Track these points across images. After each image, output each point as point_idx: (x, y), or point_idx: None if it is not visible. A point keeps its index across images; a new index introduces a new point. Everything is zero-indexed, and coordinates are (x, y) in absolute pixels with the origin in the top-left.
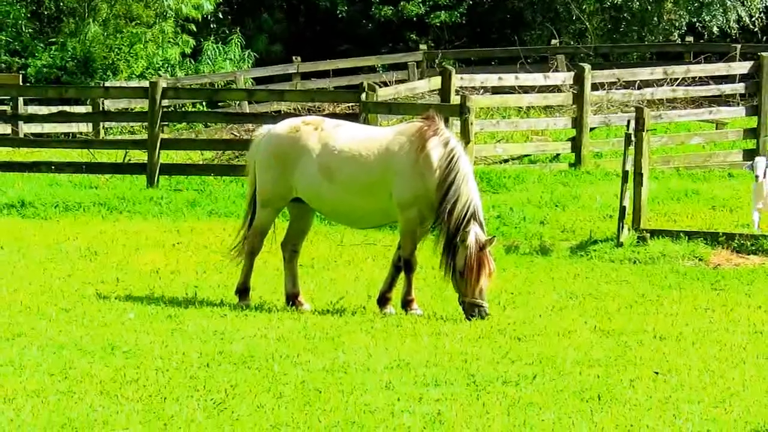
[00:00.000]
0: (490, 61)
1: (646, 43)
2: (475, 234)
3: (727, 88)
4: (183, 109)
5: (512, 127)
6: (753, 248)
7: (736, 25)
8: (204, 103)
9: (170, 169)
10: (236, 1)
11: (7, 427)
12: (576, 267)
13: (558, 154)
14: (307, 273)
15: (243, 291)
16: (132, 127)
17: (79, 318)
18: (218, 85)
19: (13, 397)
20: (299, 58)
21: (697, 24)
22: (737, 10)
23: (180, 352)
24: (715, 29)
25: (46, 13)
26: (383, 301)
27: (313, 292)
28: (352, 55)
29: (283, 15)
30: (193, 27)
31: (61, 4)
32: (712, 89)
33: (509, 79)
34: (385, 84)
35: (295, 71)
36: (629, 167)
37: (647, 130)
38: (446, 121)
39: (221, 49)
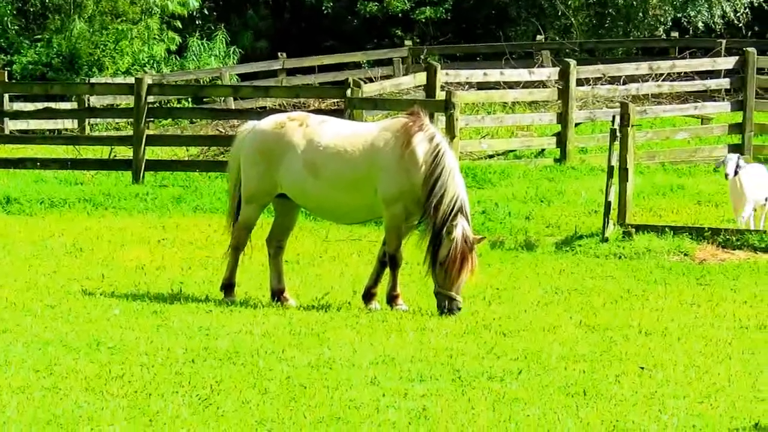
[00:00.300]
0: (475, 57)
1: (632, 38)
2: (462, 228)
3: (712, 84)
4: (168, 105)
5: (497, 122)
6: (738, 243)
7: (721, 21)
8: (189, 100)
9: (156, 166)
10: None
11: None
12: (561, 262)
13: (543, 150)
14: (292, 269)
15: (228, 287)
16: (117, 123)
17: (64, 314)
18: (203, 82)
19: None
20: (284, 55)
21: (682, 19)
22: (722, 6)
23: (165, 348)
24: (700, 25)
25: (31, 9)
26: (368, 296)
27: (298, 287)
28: (338, 51)
29: (269, 11)
30: (179, 24)
31: (47, 0)
32: (698, 84)
33: (494, 75)
34: (371, 80)
35: (281, 67)
36: (614, 162)
37: (632, 126)
38: (431, 116)
39: (206, 45)
